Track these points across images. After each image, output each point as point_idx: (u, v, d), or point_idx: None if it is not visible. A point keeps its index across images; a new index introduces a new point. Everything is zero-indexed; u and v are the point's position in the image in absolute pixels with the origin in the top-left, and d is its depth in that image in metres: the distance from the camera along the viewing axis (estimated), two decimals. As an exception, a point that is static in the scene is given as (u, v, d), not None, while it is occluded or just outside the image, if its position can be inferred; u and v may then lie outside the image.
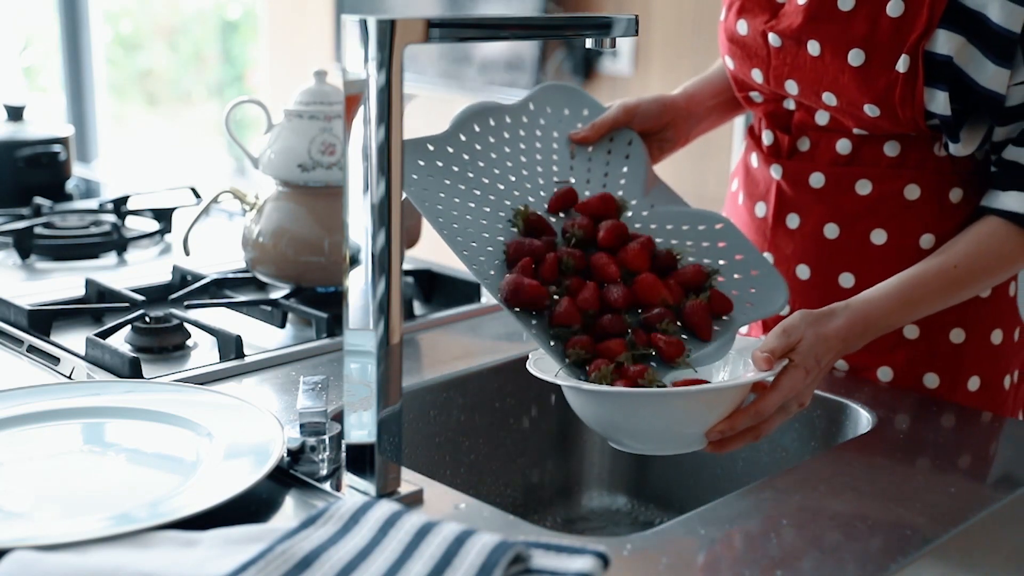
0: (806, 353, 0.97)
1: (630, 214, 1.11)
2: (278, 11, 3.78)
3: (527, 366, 0.98)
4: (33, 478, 0.89)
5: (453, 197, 1.07)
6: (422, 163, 1.08)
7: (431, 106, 3.27)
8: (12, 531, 0.79)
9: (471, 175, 1.10)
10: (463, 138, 1.13)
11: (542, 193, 1.11)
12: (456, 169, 1.10)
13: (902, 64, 1.08)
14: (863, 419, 1.08)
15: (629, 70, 2.81)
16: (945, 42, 1.07)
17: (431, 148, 1.09)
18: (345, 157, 0.83)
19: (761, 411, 0.95)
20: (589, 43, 0.99)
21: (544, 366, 0.99)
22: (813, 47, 1.13)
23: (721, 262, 1.07)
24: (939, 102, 1.09)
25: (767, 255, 1.24)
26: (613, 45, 0.97)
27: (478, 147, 1.13)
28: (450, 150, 1.10)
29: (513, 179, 1.12)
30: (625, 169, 1.16)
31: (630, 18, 0.96)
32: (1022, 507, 0.93)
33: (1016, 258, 1.10)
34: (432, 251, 1.57)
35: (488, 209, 1.07)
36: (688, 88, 1.32)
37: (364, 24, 0.79)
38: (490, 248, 1.04)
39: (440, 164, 1.09)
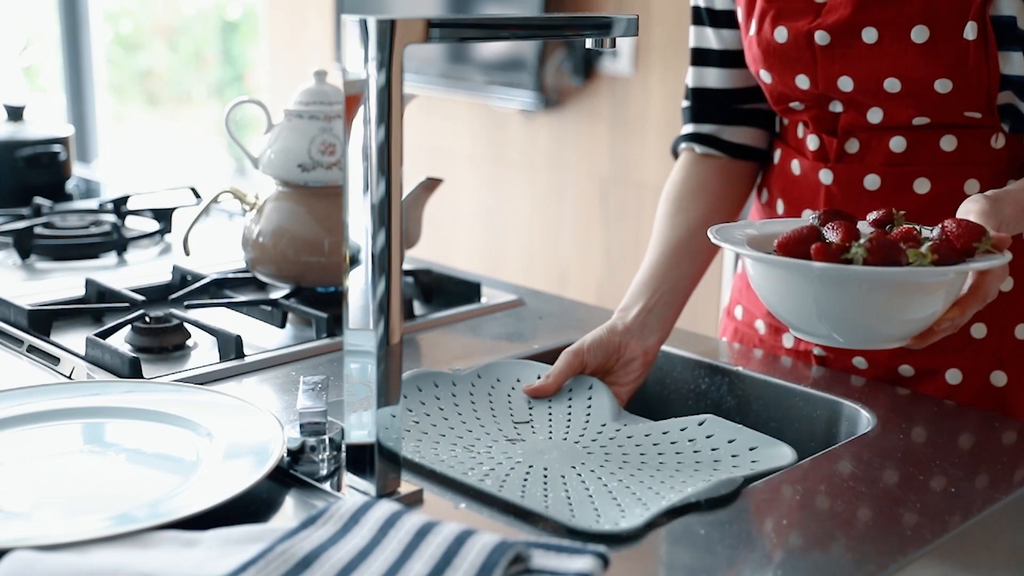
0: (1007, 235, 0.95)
1: None
2: (278, 11, 3.78)
3: (709, 234, 0.94)
4: (33, 478, 0.90)
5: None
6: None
7: (431, 106, 3.28)
8: (12, 531, 0.79)
9: (427, 428, 1.03)
10: (404, 395, 1.05)
11: (505, 438, 1.02)
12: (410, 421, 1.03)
13: (970, 31, 1.08)
14: (863, 419, 1.08)
15: (629, 70, 2.81)
16: (1009, 3, 1.07)
17: None
18: (345, 157, 0.83)
19: (987, 295, 0.92)
20: (589, 43, 0.99)
21: (728, 235, 0.93)
22: (869, 35, 1.12)
23: (713, 446, 1.01)
24: (1015, 64, 1.09)
25: None
26: (613, 45, 0.97)
27: (423, 403, 1.06)
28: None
29: (470, 431, 1.04)
30: (590, 410, 1.08)
31: (630, 18, 0.96)
32: (1022, 507, 0.93)
33: None
34: (432, 251, 1.57)
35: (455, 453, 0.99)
36: (628, 303, 1.18)
37: (364, 24, 0.79)
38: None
39: None
